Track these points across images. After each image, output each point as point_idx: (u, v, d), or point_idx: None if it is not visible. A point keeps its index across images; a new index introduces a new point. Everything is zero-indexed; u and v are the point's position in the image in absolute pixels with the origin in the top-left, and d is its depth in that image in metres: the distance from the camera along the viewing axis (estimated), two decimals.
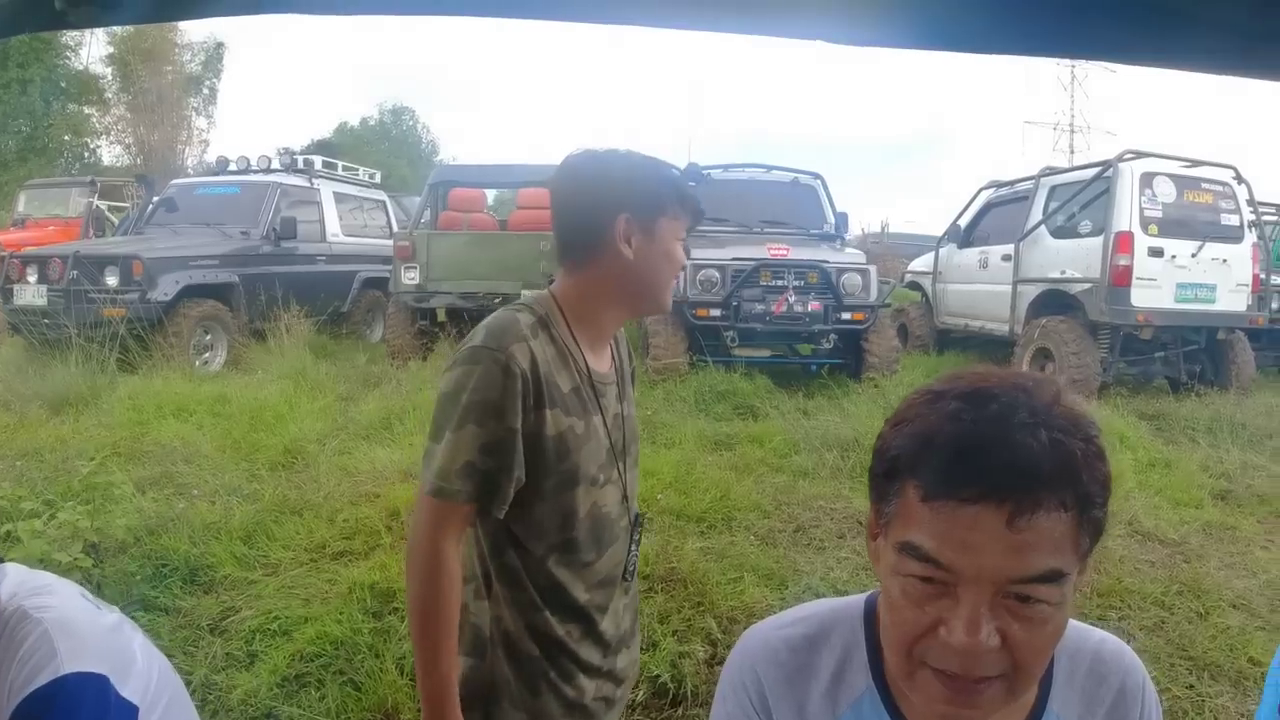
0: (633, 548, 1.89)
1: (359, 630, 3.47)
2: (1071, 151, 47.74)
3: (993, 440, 0.89)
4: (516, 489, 1.64)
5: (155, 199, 11.85)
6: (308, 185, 12.15)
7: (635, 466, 1.96)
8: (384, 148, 44.34)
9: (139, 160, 31.26)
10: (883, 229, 24.55)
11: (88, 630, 1.24)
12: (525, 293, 1.84)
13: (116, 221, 14.23)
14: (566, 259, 1.80)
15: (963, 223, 12.45)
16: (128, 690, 1.21)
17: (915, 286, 13.96)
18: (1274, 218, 13.10)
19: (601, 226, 1.74)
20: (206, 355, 9.73)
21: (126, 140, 32.75)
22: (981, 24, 1.10)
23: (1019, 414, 0.90)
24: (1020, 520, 0.87)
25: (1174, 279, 9.31)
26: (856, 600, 1.19)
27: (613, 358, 1.91)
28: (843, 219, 10.77)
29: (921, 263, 13.84)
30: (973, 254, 11.92)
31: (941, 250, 12.75)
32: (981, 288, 11.38)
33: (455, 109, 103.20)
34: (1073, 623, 1.15)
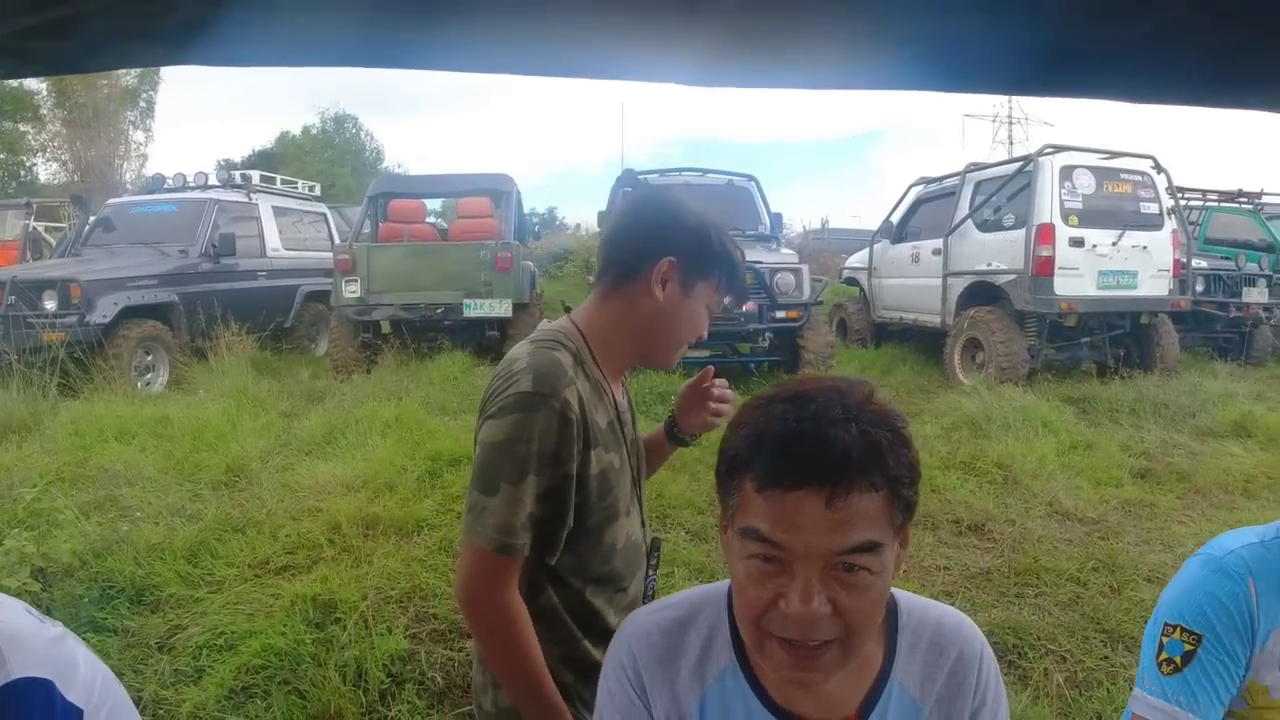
0: (650, 571, 1.90)
1: (302, 641, 3.57)
2: (1010, 143, 48.58)
3: (810, 435, 1.05)
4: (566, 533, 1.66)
5: (91, 219, 11.71)
6: (246, 200, 12.08)
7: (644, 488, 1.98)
8: (327, 156, 43.91)
9: (76, 177, 30.87)
10: (823, 226, 24.91)
11: (33, 640, 1.32)
12: (543, 323, 1.83)
13: (54, 243, 14.05)
14: (604, 278, 1.80)
15: (895, 219, 12.74)
16: (72, 695, 1.31)
17: (853, 282, 14.21)
18: (1199, 202, 13.55)
19: (646, 257, 1.73)
20: (148, 376, 9.65)
21: (63, 157, 32.40)
22: (919, 63, 1.28)
23: (833, 411, 1.06)
24: (837, 501, 1.03)
25: (1096, 267, 9.65)
26: (721, 585, 1.33)
27: (622, 383, 1.90)
28: (777, 219, 10.98)
29: (858, 258, 14.08)
30: (905, 249, 12.20)
31: (876, 246, 13.02)
32: (914, 281, 11.67)
33: (401, 116, 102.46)
34: (918, 599, 1.32)
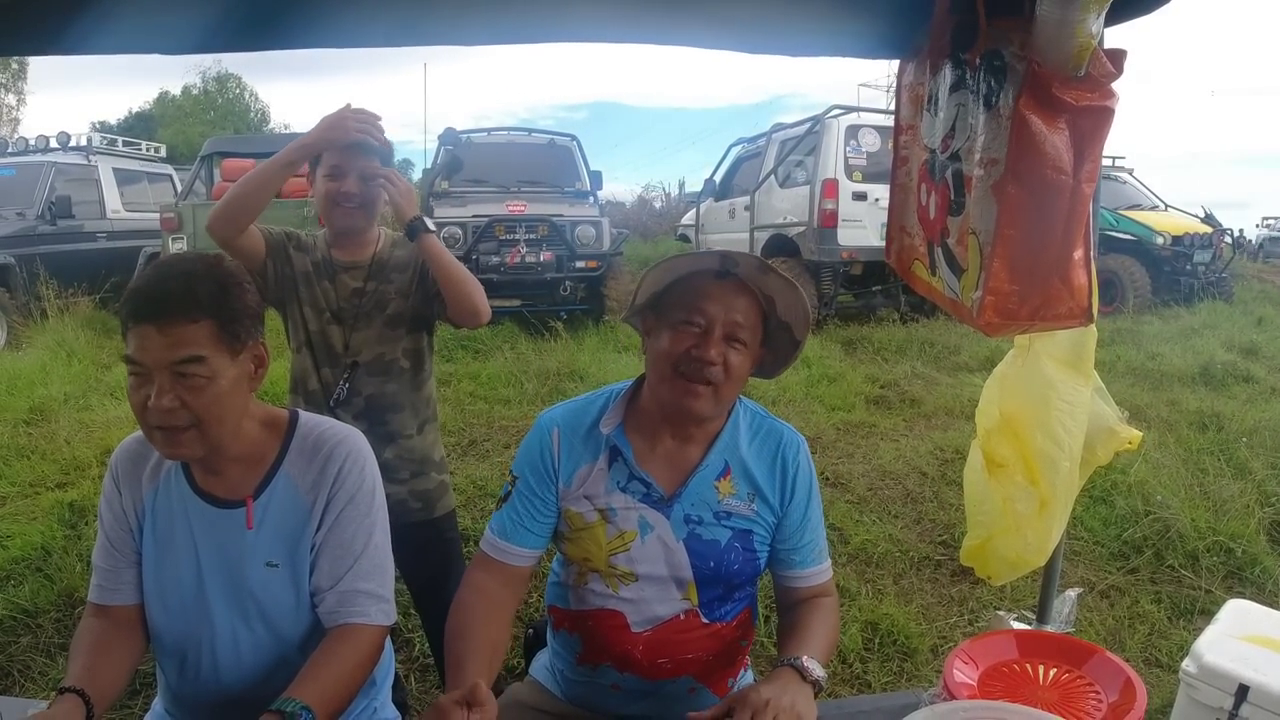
0: (343, 382, 2.60)
1: (54, 537, 4.22)
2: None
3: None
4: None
5: None
6: (85, 163, 12.13)
7: (376, 330, 2.64)
8: (209, 118, 42.56)
9: None
10: (680, 188, 25.77)
11: None
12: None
13: None
14: None
15: (718, 177, 13.47)
16: None
17: (685, 238, 14.96)
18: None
19: None
20: None
21: None
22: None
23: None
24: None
25: (879, 220, 10.36)
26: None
27: (372, 258, 2.65)
28: (596, 177, 11.43)
29: (690, 216, 14.82)
30: (724, 205, 13.01)
31: (703, 204, 13.78)
32: (730, 236, 12.36)
33: (289, 77, 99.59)
34: (318, 418, 1.82)
